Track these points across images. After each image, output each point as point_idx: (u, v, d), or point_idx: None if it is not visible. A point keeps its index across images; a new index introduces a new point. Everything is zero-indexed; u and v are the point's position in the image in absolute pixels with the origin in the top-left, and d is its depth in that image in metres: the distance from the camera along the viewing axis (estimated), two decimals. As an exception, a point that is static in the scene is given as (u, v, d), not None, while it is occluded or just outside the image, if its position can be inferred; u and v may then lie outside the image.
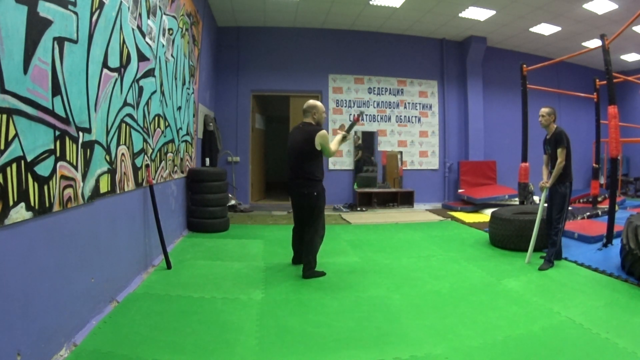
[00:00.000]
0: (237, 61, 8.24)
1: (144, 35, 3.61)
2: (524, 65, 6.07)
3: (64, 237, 2.28)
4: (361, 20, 7.97)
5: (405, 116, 8.89)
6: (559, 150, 4.01)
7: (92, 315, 2.59)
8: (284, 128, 9.36)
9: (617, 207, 4.99)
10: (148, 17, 3.71)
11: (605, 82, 5.03)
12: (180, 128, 5.14)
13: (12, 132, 1.76)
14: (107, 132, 2.84)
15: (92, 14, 2.54)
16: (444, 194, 9.05)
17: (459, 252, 4.73)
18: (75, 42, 2.34)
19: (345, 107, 8.62)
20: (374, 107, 8.75)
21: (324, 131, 3.68)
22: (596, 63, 9.28)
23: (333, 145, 3.78)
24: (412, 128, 8.93)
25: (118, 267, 3.08)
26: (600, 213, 6.38)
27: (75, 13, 2.33)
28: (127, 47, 3.19)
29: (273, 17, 7.83)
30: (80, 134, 2.42)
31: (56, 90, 2.14)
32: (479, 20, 7.72)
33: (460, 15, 7.54)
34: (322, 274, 3.72)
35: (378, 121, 8.77)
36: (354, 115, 3.92)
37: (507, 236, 4.72)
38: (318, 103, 3.83)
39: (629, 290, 3.33)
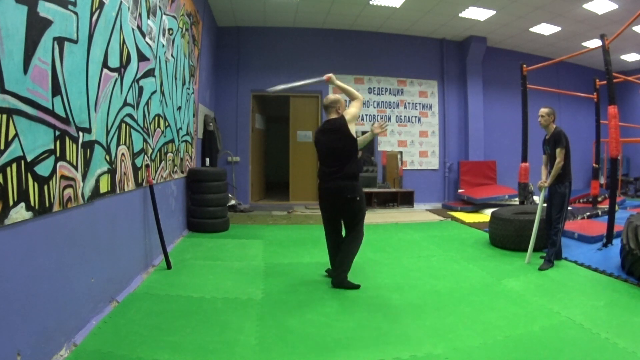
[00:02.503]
0: (237, 61, 8.25)
1: (144, 35, 3.61)
2: (524, 65, 6.08)
3: (64, 237, 2.28)
4: (361, 20, 7.97)
5: (405, 116, 8.89)
6: (557, 150, 4.01)
7: (92, 315, 2.59)
8: (284, 128, 9.37)
9: (617, 207, 4.99)
10: (148, 17, 3.71)
11: (605, 82, 5.03)
12: (180, 128, 5.14)
13: (12, 132, 1.76)
14: (107, 132, 2.84)
15: (92, 14, 2.54)
16: (444, 194, 9.05)
17: (459, 252, 4.73)
18: (75, 42, 2.34)
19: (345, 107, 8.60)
20: (374, 107, 8.75)
21: (345, 112, 3.40)
22: (596, 63, 9.28)
23: (353, 93, 3.53)
24: (412, 128, 8.93)
25: (118, 267, 3.08)
26: (600, 213, 6.38)
27: (75, 13, 2.33)
28: (127, 47, 3.19)
29: (273, 17, 7.83)
30: (80, 134, 2.42)
31: (56, 90, 2.14)
32: (479, 20, 7.73)
33: (460, 15, 7.54)
34: (357, 286, 3.38)
35: (378, 121, 8.74)
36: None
37: (507, 236, 4.72)
38: (340, 97, 3.54)
39: (629, 290, 3.33)
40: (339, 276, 3.40)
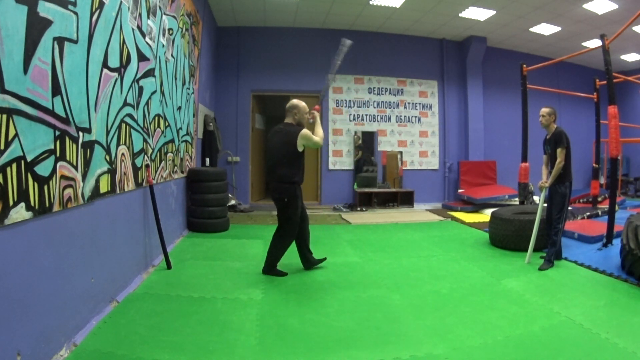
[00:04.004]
0: (237, 61, 8.25)
1: (144, 35, 3.61)
2: (524, 65, 6.08)
3: (64, 237, 2.28)
4: (361, 20, 7.97)
5: (405, 116, 8.89)
6: (558, 150, 4.01)
7: (92, 315, 2.59)
8: (284, 128, 9.36)
9: (617, 207, 4.99)
10: (148, 17, 3.71)
11: (605, 82, 5.03)
12: (180, 128, 5.14)
13: (12, 132, 1.76)
14: (107, 132, 2.84)
15: (92, 14, 2.54)
16: (444, 194, 9.05)
17: (459, 252, 4.73)
18: (75, 42, 2.34)
19: (345, 107, 8.62)
20: (374, 107, 8.75)
21: (305, 130, 3.57)
22: (596, 63, 9.28)
23: (317, 133, 3.65)
24: (412, 128, 8.93)
25: (118, 267, 3.08)
26: (600, 213, 6.38)
27: (75, 13, 2.33)
28: (127, 47, 3.19)
29: (273, 17, 7.83)
30: (80, 134, 2.42)
31: (56, 90, 2.14)
32: (479, 20, 7.73)
33: (460, 15, 7.54)
34: (284, 274, 3.71)
35: (378, 121, 8.77)
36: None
37: (507, 236, 4.72)
38: (300, 102, 3.71)
39: (629, 290, 3.33)
40: (265, 266, 3.74)
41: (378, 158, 8.76)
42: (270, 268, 3.73)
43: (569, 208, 5.48)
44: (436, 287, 3.47)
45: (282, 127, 3.66)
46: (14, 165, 1.79)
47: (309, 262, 3.93)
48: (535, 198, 6.57)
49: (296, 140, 3.52)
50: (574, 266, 4.07)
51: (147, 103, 3.74)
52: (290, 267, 3.98)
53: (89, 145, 2.54)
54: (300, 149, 3.57)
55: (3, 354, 1.72)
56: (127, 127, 3.24)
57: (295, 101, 3.72)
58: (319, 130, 3.68)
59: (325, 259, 4.07)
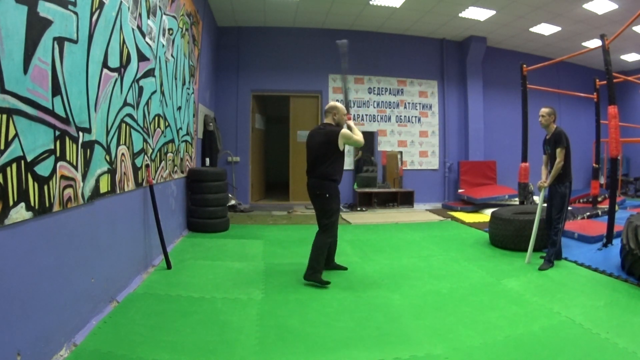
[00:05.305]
0: (237, 61, 8.25)
1: (144, 35, 3.61)
2: (524, 65, 6.08)
3: (64, 237, 2.28)
4: (361, 20, 7.97)
5: (405, 116, 8.89)
6: (557, 150, 4.01)
7: (92, 315, 2.59)
8: (284, 128, 9.37)
9: (617, 207, 4.99)
10: (148, 17, 3.71)
11: (605, 82, 5.03)
12: (180, 128, 5.14)
13: (12, 132, 1.76)
14: (107, 132, 2.84)
15: (92, 14, 2.54)
16: (444, 194, 9.05)
17: (459, 252, 4.73)
18: (75, 42, 2.34)
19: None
20: (374, 107, 8.75)
21: (345, 129, 3.68)
22: (596, 63, 9.28)
23: (356, 134, 3.71)
24: (412, 128, 8.93)
25: (118, 267, 3.08)
26: (600, 213, 6.38)
27: (75, 13, 2.33)
28: (127, 47, 3.19)
29: (273, 17, 7.83)
30: (80, 134, 2.42)
31: (56, 90, 2.14)
32: (479, 20, 7.73)
33: (460, 15, 7.54)
34: (326, 283, 3.50)
35: (378, 121, 8.77)
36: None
37: (507, 236, 4.72)
38: (339, 104, 3.85)
39: (629, 290, 3.33)
40: (307, 273, 3.55)
41: (378, 158, 8.76)
42: (313, 273, 3.51)
43: (569, 208, 5.48)
44: (436, 287, 3.48)
45: (323, 127, 3.73)
46: (14, 165, 1.79)
47: (329, 265, 3.92)
48: (535, 198, 6.57)
49: (337, 139, 3.59)
50: (574, 266, 4.07)
51: (147, 103, 3.74)
52: (290, 267, 3.99)
53: (89, 145, 2.54)
54: (341, 148, 3.64)
55: (3, 354, 1.72)
56: (127, 127, 3.24)
57: (333, 103, 3.85)
58: (358, 132, 3.75)
59: (346, 268, 3.97)
